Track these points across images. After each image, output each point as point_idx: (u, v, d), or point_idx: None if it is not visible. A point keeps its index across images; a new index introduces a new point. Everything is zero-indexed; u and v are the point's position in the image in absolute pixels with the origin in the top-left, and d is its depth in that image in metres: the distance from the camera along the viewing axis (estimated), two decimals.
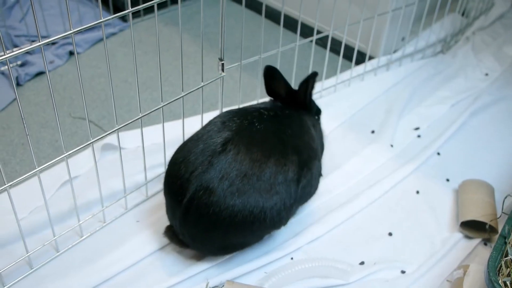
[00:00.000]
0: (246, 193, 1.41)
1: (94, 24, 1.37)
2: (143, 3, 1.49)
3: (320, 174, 1.71)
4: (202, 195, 1.40)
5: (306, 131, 1.63)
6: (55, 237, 1.56)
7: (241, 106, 2.00)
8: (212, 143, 1.45)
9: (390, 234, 1.73)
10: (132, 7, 1.40)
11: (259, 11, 2.80)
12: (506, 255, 1.37)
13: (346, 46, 2.24)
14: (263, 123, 1.51)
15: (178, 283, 1.53)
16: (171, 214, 1.53)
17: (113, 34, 2.62)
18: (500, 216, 1.67)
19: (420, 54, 2.55)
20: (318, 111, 1.81)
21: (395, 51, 2.47)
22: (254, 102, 2.02)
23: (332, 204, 1.80)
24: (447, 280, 1.58)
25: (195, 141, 1.50)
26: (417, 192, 1.88)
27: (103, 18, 1.38)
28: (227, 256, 1.60)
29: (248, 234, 1.49)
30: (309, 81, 1.66)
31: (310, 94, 1.70)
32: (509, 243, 1.40)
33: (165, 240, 1.63)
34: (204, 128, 1.55)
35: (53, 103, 1.35)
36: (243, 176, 1.41)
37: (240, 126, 1.49)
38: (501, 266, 1.36)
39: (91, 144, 1.50)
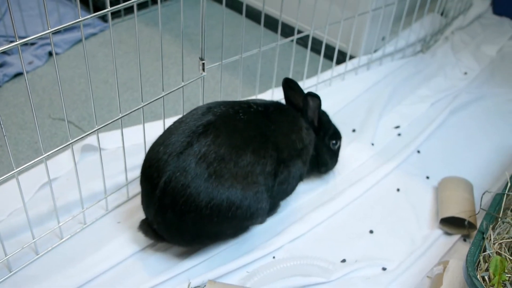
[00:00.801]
0: (223, 177, 1.41)
1: (72, 24, 1.36)
2: (124, 3, 1.48)
3: (300, 177, 1.70)
4: (179, 176, 1.40)
5: (295, 130, 1.64)
6: (34, 240, 1.54)
7: None
8: (194, 125, 1.47)
9: (371, 231, 1.74)
10: (112, 7, 1.39)
11: (240, 11, 2.80)
12: (484, 250, 1.39)
13: (327, 45, 2.25)
14: (248, 115, 1.54)
15: (160, 283, 1.52)
16: (147, 201, 1.50)
17: (94, 34, 2.60)
18: (478, 212, 1.69)
19: (400, 54, 2.57)
20: (333, 136, 1.82)
21: (375, 51, 2.49)
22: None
23: (314, 203, 1.81)
24: (428, 276, 1.59)
25: (178, 123, 1.52)
26: (398, 190, 1.90)
27: (82, 17, 1.37)
28: (202, 249, 1.59)
29: (224, 221, 1.46)
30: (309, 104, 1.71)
31: (318, 110, 1.74)
32: (487, 238, 1.42)
33: (147, 241, 1.63)
34: (189, 112, 1.57)
35: (31, 104, 1.33)
36: (221, 160, 1.42)
37: (225, 113, 1.51)
38: (479, 261, 1.37)
39: (70, 145, 1.48)
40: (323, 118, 1.81)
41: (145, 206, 1.53)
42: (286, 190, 1.66)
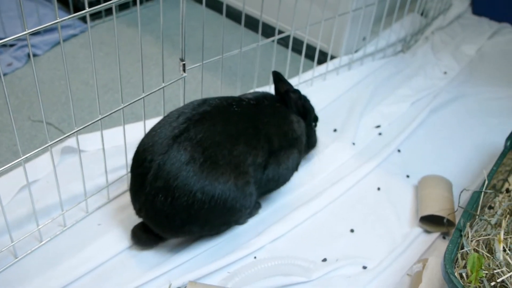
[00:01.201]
0: (217, 163, 1.44)
1: (50, 25, 1.34)
2: (104, 3, 1.47)
3: (296, 167, 1.75)
4: (174, 159, 1.41)
5: (287, 123, 1.69)
6: (13, 243, 1.53)
7: None
8: (190, 113, 1.50)
9: (352, 230, 1.75)
10: (90, 8, 1.39)
11: (221, 12, 2.80)
12: (462, 248, 1.41)
13: (308, 46, 2.26)
14: (241, 108, 1.59)
15: (141, 285, 1.51)
16: (137, 186, 1.49)
17: (74, 35, 2.58)
18: (457, 210, 1.71)
19: (381, 54, 2.59)
20: (315, 118, 1.90)
21: (356, 51, 2.51)
22: None
23: (295, 203, 1.82)
24: (407, 274, 1.61)
25: (175, 112, 1.55)
26: (378, 189, 1.91)
27: (61, 18, 1.36)
28: (184, 247, 1.60)
29: (214, 208, 1.46)
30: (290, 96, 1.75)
31: (300, 101, 1.78)
32: (464, 235, 1.43)
33: (127, 243, 1.62)
34: (186, 104, 1.60)
35: (8, 105, 1.32)
36: (216, 146, 1.45)
37: (219, 105, 1.56)
38: (457, 258, 1.39)
39: (49, 147, 1.47)
40: (306, 105, 1.84)
41: (134, 192, 1.53)
42: (278, 181, 1.69)
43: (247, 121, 1.56)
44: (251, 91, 1.90)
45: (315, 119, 1.90)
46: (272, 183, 1.67)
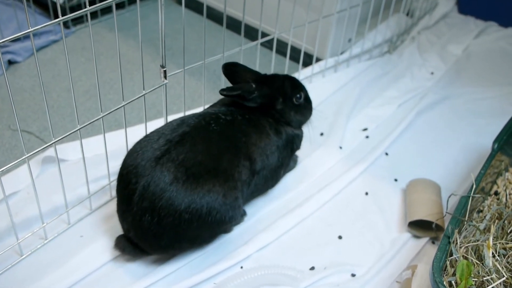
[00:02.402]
0: (202, 178, 1.43)
1: (26, 33, 1.30)
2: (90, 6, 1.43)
3: (281, 167, 1.72)
4: (158, 180, 1.40)
5: (263, 137, 1.63)
6: None
7: (188, 112, 1.97)
8: (170, 135, 1.49)
9: (340, 237, 1.72)
10: (72, 13, 1.35)
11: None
12: (451, 255, 1.38)
13: (292, 48, 2.23)
14: (219, 126, 1.56)
15: None
16: (124, 207, 1.48)
17: (55, 41, 2.53)
18: (445, 215, 1.68)
19: (367, 55, 2.57)
20: (293, 90, 1.72)
21: (342, 53, 2.48)
22: (201, 108, 1.98)
23: (282, 210, 1.79)
24: (397, 282, 1.58)
25: (155, 132, 1.54)
26: (366, 193, 1.89)
27: (40, 24, 1.33)
28: (166, 261, 1.58)
29: (203, 225, 1.46)
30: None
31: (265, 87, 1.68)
32: (453, 242, 1.41)
33: (111, 255, 1.58)
34: (164, 124, 1.59)
35: None
36: (199, 165, 1.44)
37: (198, 124, 1.54)
38: (446, 266, 1.36)
39: (27, 159, 1.43)
40: (272, 85, 1.70)
41: (121, 213, 1.51)
42: (262, 190, 1.73)
43: (226, 140, 1.54)
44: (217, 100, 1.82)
45: (295, 89, 1.73)
46: (255, 193, 1.69)
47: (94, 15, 2.67)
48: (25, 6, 1.21)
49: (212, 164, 1.46)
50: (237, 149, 1.54)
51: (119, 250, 1.56)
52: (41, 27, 1.33)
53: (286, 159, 1.75)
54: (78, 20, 2.64)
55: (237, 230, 1.70)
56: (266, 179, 1.67)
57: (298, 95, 1.74)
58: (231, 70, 1.69)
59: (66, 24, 2.59)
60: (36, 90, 2.24)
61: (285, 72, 2.24)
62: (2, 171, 1.37)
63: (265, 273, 1.56)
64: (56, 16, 2.51)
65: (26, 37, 2.44)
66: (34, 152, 1.44)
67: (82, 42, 2.55)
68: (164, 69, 1.66)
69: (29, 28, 1.28)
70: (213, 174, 1.45)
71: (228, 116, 1.61)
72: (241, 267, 1.59)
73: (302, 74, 2.32)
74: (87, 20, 2.65)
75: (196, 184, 1.42)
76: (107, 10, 2.73)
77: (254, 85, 1.65)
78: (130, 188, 1.45)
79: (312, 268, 1.61)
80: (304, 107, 1.78)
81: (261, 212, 1.77)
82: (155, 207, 1.41)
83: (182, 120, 1.56)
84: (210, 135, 1.52)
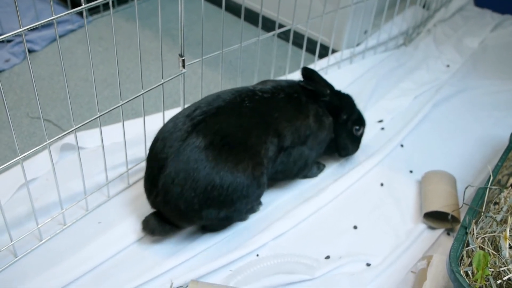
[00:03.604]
0: (235, 150, 1.49)
1: (47, 22, 1.32)
2: None
3: (305, 163, 1.74)
4: (196, 141, 1.46)
5: (301, 118, 1.66)
6: (12, 242, 1.51)
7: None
8: (206, 107, 1.55)
9: (355, 227, 1.73)
10: (87, 4, 1.36)
11: (221, 5, 2.77)
12: (468, 245, 1.39)
13: (309, 39, 2.23)
14: (253, 103, 1.60)
15: (142, 284, 1.50)
16: (158, 167, 1.50)
17: (72, 31, 2.55)
18: (461, 206, 1.69)
19: (383, 47, 2.56)
20: (357, 121, 1.85)
21: (358, 44, 2.48)
22: None
23: (298, 199, 1.80)
24: (412, 272, 1.59)
25: (191, 106, 1.59)
26: (382, 184, 1.89)
27: (58, 14, 1.34)
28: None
29: (232, 194, 1.50)
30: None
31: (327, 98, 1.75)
32: (470, 233, 1.41)
33: (128, 241, 1.60)
34: (201, 99, 1.63)
35: (4, 103, 1.30)
36: (233, 136, 1.50)
37: (233, 100, 1.59)
38: (462, 256, 1.37)
39: (48, 145, 1.45)
40: (345, 101, 1.82)
41: (152, 179, 1.53)
42: (284, 173, 1.72)
43: (257, 116, 1.58)
44: (283, 77, 1.86)
45: (359, 122, 1.86)
46: (279, 174, 1.70)
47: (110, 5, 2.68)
48: None
49: (243, 138, 1.52)
50: (267, 125, 1.58)
51: (148, 232, 1.58)
52: (63, 15, 1.35)
53: (315, 153, 1.75)
54: (94, 10, 2.66)
55: (253, 219, 1.71)
56: (294, 161, 1.68)
57: (358, 127, 1.85)
58: (309, 74, 1.76)
59: (82, 14, 2.61)
60: (54, 79, 2.26)
61: (301, 64, 2.25)
62: (24, 156, 1.39)
63: (281, 262, 1.57)
64: (74, 6, 2.54)
65: (43, 26, 2.47)
66: (55, 138, 1.46)
67: (99, 32, 2.57)
68: (183, 58, 1.68)
69: (52, 16, 1.30)
70: (243, 147, 1.51)
71: (267, 93, 1.65)
72: (257, 255, 1.61)
73: (318, 66, 2.32)
74: (103, 10, 2.68)
75: (230, 152, 1.48)
76: (122, 1, 2.75)
77: (328, 91, 1.74)
78: (164, 152, 1.49)
79: (328, 257, 1.62)
80: (353, 140, 1.87)
81: (277, 201, 1.78)
82: (189, 169, 1.45)
83: (217, 95, 1.60)
84: (242, 111, 1.57)
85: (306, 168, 1.77)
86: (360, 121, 1.86)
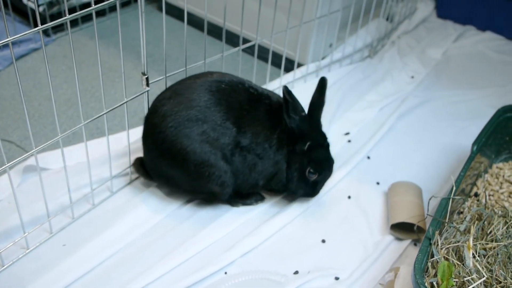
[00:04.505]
0: (206, 122, 1.61)
1: (4, 43, 1.29)
2: (70, 14, 1.42)
3: (268, 175, 1.73)
4: (171, 117, 1.62)
5: (267, 126, 1.67)
6: None
7: None
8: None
9: (323, 241, 1.73)
10: (52, 21, 1.35)
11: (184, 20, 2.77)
12: (432, 256, 1.40)
13: (274, 53, 2.25)
14: (232, 88, 1.68)
15: None
16: (147, 134, 1.71)
17: (35, 49, 2.51)
18: (426, 217, 1.70)
19: (348, 60, 2.59)
20: (314, 164, 1.69)
21: (323, 58, 2.50)
22: None
23: (264, 215, 1.79)
24: (380, 284, 1.59)
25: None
26: (349, 197, 1.90)
27: (20, 33, 1.33)
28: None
29: (185, 160, 1.61)
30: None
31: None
32: (434, 244, 1.43)
33: (93, 264, 1.57)
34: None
35: None
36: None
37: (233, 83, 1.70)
38: (428, 267, 1.38)
39: (7, 168, 1.42)
40: (315, 132, 1.71)
41: (144, 139, 1.73)
42: (246, 171, 1.70)
43: (230, 98, 1.64)
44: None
45: (315, 163, 1.68)
46: (241, 178, 1.71)
47: (74, 22, 2.65)
48: (3, 14, 1.21)
49: (220, 117, 1.61)
50: (233, 111, 1.63)
51: (134, 168, 1.81)
52: (21, 36, 1.33)
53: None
54: (58, 28, 2.63)
55: (220, 236, 1.70)
56: (251, 167, 1.68)
57: (313, 170, 1.69)
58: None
59: (46, 32, 2.58)
60: (16, 99, 2.22)
61: (267, 78, 2.26)
62: None
63: (250, 278, 1.57)
64: (36, 24, 2.51)
65: (5, 45, 2.42)
66: (15, 161, 1.43)
67: (63, 50, 2.54)
68: (146, 76, 1.67)
69: (7, 37, 1.28)
70: (218, 125, 1.61)
71: (252, 89, 1.71)
72: (225, 273, 1.60)
73: (284, 80, 2.33)
74: (67, 28, 2.64)
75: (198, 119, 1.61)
76: (87, 18, 2.72)
77: (303, 114, 1.68)
78: (155, 121, 1.65)
79: (296, 272, 1.61)
80: (301, 180, 1.71)
81: (244, 218, 1.77)
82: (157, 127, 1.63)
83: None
84: (219, 89, 1.65)
85: (256, 185, 1.76)
86: (319, 166, 1.69)
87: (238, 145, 1.65)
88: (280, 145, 1.69)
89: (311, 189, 1.75)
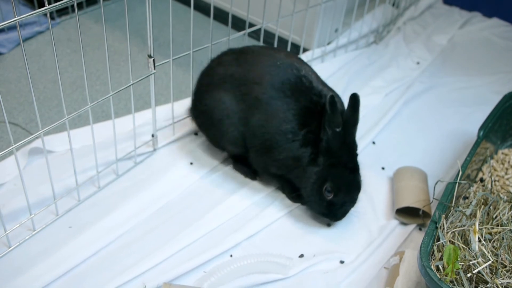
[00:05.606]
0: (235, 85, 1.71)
1: (10, 23, 1.29)
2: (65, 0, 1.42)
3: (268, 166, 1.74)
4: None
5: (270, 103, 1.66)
6: None
7: (176, 104, 1.98)
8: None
9: (328, 225, 1.74)
10: (51, 5, 1.34)
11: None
12: (438, 240, 1.40)
13: (280, 38, 2.24)
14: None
15: None
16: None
17: (40, 32, 2.50)
18: (432, 202, 1.70)
19: (354, 45, 2.58)
20: (334, 184, 1.61)
21: (329, 43, 2.49)
22: (188, 99, 1.98)
23: (270, 198, 1.79)
24: (385, 268, 1.60)
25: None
26: None
27: (20, 16, 1.31)
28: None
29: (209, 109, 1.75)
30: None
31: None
32: (440, 228, 1.43)
33: (99, 245, 1.58)
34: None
35: None
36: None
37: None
38: (433, 250, 1.38)
39: (14, 150, 1.42)
40: (345, 152, 1.63)
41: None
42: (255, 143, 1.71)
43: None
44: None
45: (335, 182, 1.60)
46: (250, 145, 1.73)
47: (79, 6, 2.64)
48: None
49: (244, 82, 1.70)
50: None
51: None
52: (27, 16, 1.33)
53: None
54: (63, 11, 2.61)
55: (226, 218, 1.70)
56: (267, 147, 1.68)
57: (330, 189, 1.61)
58: (353, 101, 1.62)
59: (51, 15, 2.55)
60: (21, 82, 2.22)
61: None
62: None
63: (255, 261, 1.57)
64: (41, 7, 2.49)
65: (10, 28, 2.42)
66: (21, 142, 1.43)
67: (68, 34, 2.53)
68: (152, 58, 1.66)
69: (15, 17, 1.27)
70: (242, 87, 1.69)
71: (306, 79, 1.69)
72: (231, 256, 1.60)
73: None
74: (72, 11, 2.64)
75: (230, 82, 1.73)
76: (92, 1, 2.71)
77: (338, 130, 1.59)
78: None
79: (301, 256, 1.62)
80: (319, 199, 1.63)
81: (250, 200, 1.78)
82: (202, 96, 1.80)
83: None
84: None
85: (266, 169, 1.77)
86: (335, 186, 1.60)
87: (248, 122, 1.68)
88: (305, 143, 1.63)
89: (326, 209, 1.65)
